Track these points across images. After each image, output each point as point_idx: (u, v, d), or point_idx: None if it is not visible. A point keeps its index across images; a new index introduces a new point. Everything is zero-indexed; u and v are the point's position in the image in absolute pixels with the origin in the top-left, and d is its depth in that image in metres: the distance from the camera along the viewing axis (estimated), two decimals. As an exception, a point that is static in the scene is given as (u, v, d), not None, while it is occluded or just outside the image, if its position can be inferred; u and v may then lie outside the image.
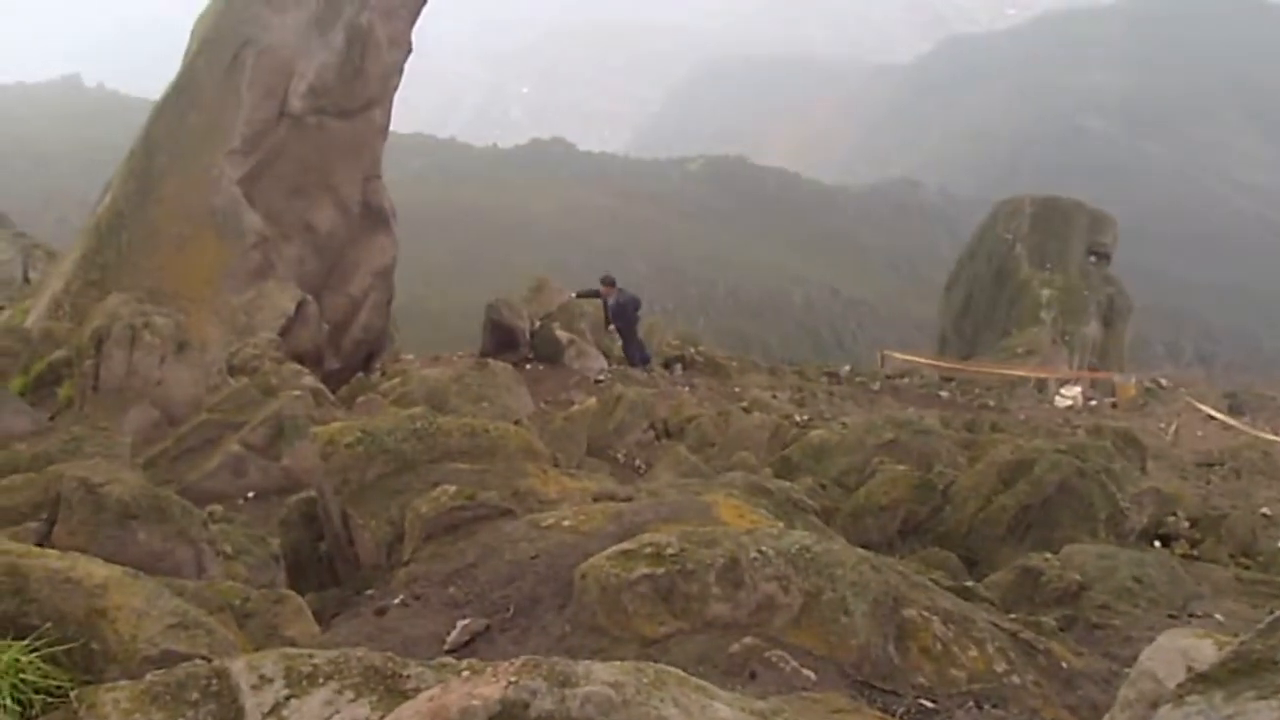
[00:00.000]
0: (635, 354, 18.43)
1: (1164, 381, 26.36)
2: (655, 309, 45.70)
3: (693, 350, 20.99)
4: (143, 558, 3.90)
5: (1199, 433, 20.45)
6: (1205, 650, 2.61)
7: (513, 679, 2.05)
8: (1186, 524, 9.10)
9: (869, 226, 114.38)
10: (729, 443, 11.34)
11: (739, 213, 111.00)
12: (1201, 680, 2.10)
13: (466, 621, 3.54)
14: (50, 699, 2.36)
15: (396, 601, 3.88)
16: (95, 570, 2.81)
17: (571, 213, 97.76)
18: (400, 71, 17.99)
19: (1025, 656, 3.57)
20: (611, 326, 18.84)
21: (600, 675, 2.14)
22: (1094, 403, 24.16)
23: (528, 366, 16.65)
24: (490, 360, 14.29)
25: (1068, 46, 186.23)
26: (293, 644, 3.17)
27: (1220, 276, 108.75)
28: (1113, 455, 9.38)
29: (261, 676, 2.26)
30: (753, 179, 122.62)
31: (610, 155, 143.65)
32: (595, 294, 18.64)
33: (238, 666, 2.30)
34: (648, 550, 3.47)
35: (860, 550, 3.80)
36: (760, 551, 3.46)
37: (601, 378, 16.45)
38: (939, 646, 3.39)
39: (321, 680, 2.27)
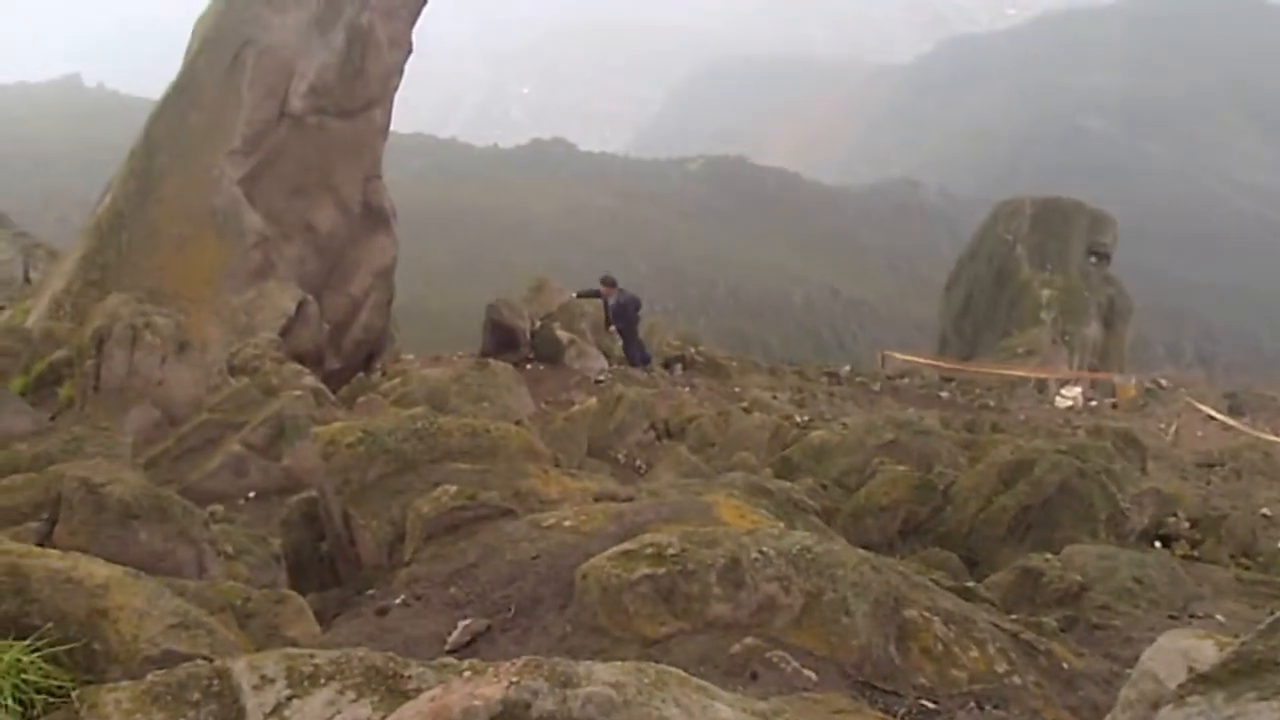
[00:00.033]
0: (636, 354, 18.44)
1: (1164, 382, 26.37)
2: (655, 309, 45.68)
3: (693, 350, 20.99)
4: (144, 558, 3.90)
5: (1199, 433, 20.45)
6: (1206, 651, 2.61)
7: (514, 679, 2.06)
8: (1187, 525, 9.10)
9: (869, 227, 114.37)
10: (729, 443, 11.34)
11: (739, 213, 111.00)
12: (1203, 681, 2.10)
13: (468, 622, 3.54)
14: (52, 699, 2.36)
15: (398, 602, 3.88)
16: (97, 570, 2.81)
17: (572, 213, 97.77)
18: (401, 72, 18.00)
19: (1026, 657, 3.58)
20: (612, 327, 18.85)
21: (602, 676, 2.14)
22: (1094, 403, 24.16)
23: (528, 366, 16.65)
24: (491, 360, 14.29)
25: (1068, 47, 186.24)
26: (294, 644, 3.17)
27: (1220, 277, 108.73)
28: (1113, 456, 9.38)
29: (263, 677, 2.26)
30: (753, 179, 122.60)
31: (610, 155, 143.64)
32: (596, 294, 18.65)
33: (239, 667, 2.30)
34: (649, 550, 3.47)
35: (861, 551, 3.80)
36: (761, 552, 3.46)
37: (602, 378, 16.45)
38: (940, 647, 3.39)
39: (323, 680, 2.27)
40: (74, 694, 2.31)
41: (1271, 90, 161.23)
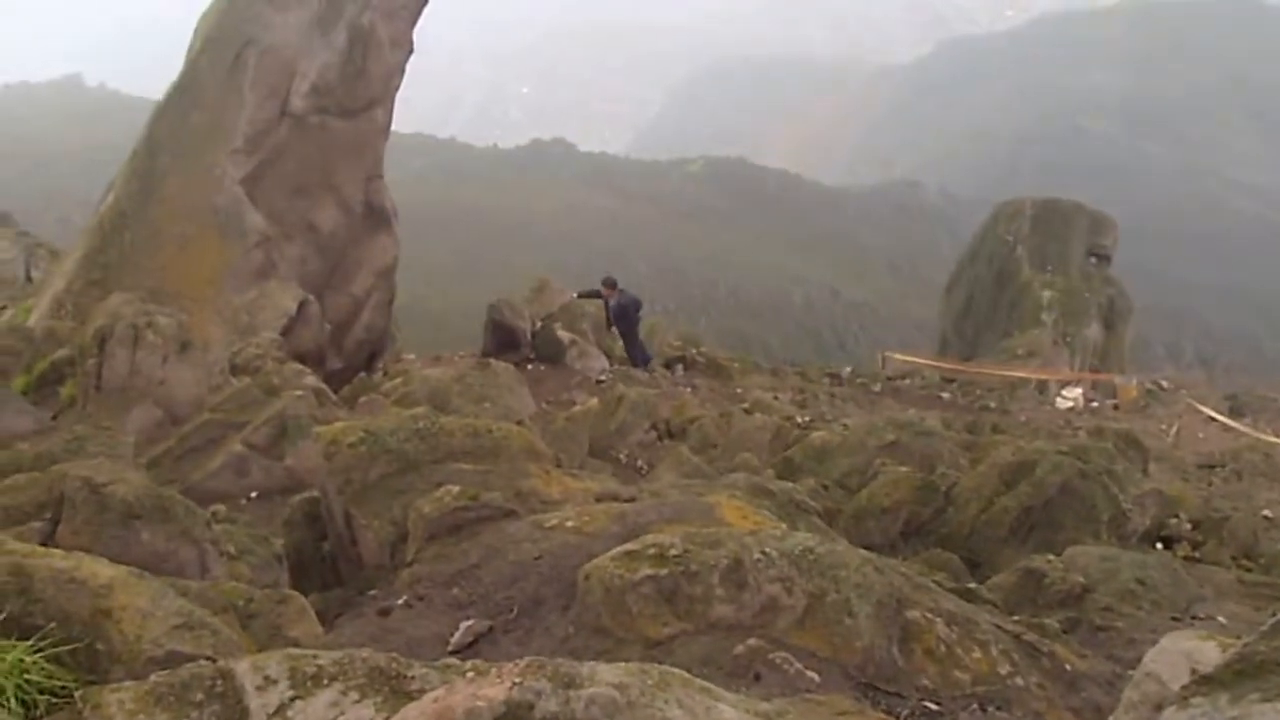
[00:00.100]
0: (637, 355, 18.44)
1: (1165, 383, 26.37)
2: (656, 309, 45.66)
3: (694, 351, 20.99)
4: (146, 558, 3.90)
5: (1200, 434, 20.45)
6: (1209, 652, 2.61)
7: (517, 680, 2.06)
8: (1188, 526, 9.10)
9: (869, 227, 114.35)
10: (731, 444, 11.34)
11: (739, 213, 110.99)
12: (1206, 682, 2.10)
13: (470, 622, 3.54)
14: (55, 699, 2.36)
15: (400, 602, 3.88)
16: (100, 570, 2.81)
17: (572, 213, 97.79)
18: (402, 71, 18.01)
19: (1029, 659, 3.57)
20: (613, 328, 18.84)
21: (605, 676, 2.14)
22: (1095, 404, 24.16)
23: (529, 367, 16.65)
24: (492, 360, 14.30)
25: (1067, 47, 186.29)
26: (296, 645, 3.17)
27: (1221, 277, 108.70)
28: (1114, 457, 9.39)
29: (266, 677, 2.26)
30: (753, 180, 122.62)
31: (611, 156, 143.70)
32: (596, 294, 18.65)
33: (242, 667, 2.30)
34: (651, 551, 3.47)
35: (863, 552, 3.80)
36: (764, 553, 3.46)
37: (603, 378, 16.45)
38: (943, 648, 3.38)
39: (326, 681, 2.27)
40: (77, 694, 2.31)
41: (1271, 90, 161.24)
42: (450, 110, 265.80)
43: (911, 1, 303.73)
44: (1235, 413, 22.93)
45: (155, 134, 16.13)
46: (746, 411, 14.10)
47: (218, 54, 16.06)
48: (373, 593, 4.18)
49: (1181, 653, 2.66)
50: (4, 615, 2.53)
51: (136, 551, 3.98)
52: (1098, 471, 7.64)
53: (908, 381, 25.24)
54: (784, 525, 4.60)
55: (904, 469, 8.31)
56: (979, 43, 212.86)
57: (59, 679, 2.42)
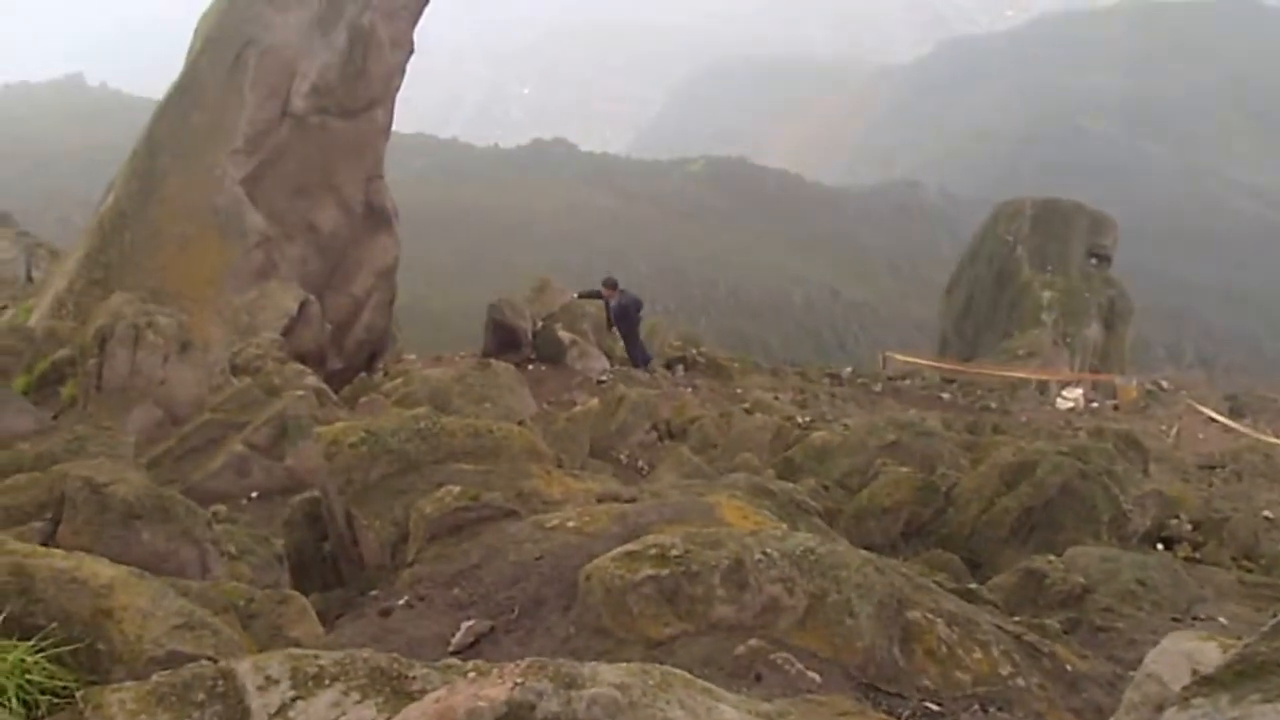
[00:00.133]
0: (638, 355, 18.43)
1: (1165, 384, 26.37)
2: (657, 309, 45.66)
3: (695, 351, 20.98)
4: (147, 558, 3.90)
5: (1200, 435, 20.45)
6: (1210, 653, 2.61)
7: (519, 680, 2.06)
8: (1189, 527, 9.10)
9: (869, 227, 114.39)
10: (731, 444, 11.34)
11: (740, 213, 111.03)
12: (1207, 683, 2.10)
13: (471, 623, 3.54)
14: (56, 700, 2.36)
15: (401, 602, 3.88)
16: (101, 570, 2.81)
17: (573, 213, 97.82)
18: (402, 72, 18.01)
19: (1030, 659, 3.57)
20: (614, 329, 18.83)
21: (606, 677, 2.15)
22: (1095, 405, 24.16)
23: (530, 367, 16.66)
24: (492, 361, 14.31)
25: (1067, 47, 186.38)
26: (297, 645, 3.17)
27: (1221, 278, 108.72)
28: (1115, 458, 9.39)
29: (267, 677, 2.26)
30: (753, 180, 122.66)
31: (611, 156, 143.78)
32: (597, 295, 18.64)
33: (244, 667, 2.30)
34: (652, 552, 3.47)
35: (864, 552, 3.80)
36: (765, 553, 3.46)
37: (604, 378, 16.45)
38: (944, 649, 3.38)
39: (328, 681, 2.27)
40: (78, 694, 2.31)
41: (1271, 90, 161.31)
42: (451, 110, 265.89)
43: (911, 1, 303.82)
44: (1235, 413, 22.93)
45: (156, 134, 16.14)
46: (747, 412, 14.10)
47: (218, 54, 16.06)
48: (374, 593, 4.17)
49: (1182, 653, 2.66)
50: (5, 615, 2.53)
51: (137, 551, 3.98)
52: (1098, 472, 7.64)
53: (908, 382, 25.24)
54: (785, 525, 4.60)
55: (904, 469, 8.32)
56: (979, 43, 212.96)
57: (60, 679, 2.42)
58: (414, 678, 2.30)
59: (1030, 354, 29.93)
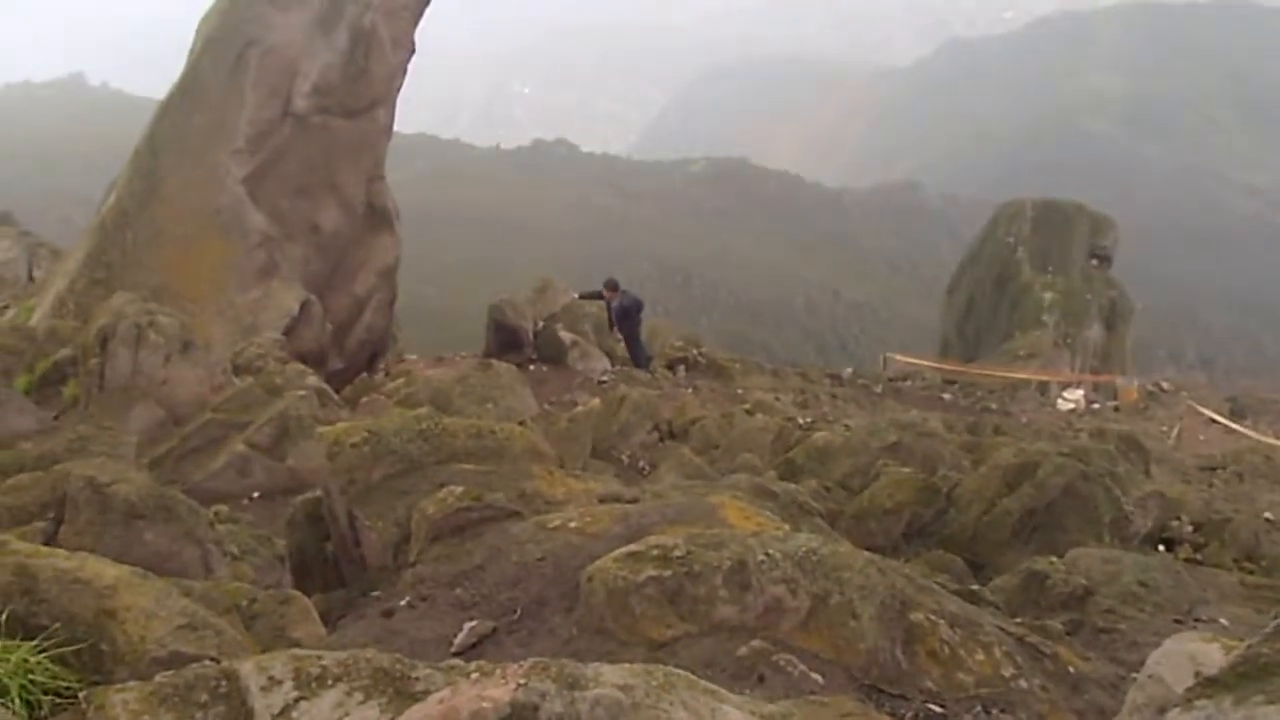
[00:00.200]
0: (639, 356, 18.43)
1: (1166, 385, 26.39)
2: (658, 310, 45.72)
3: (696, 352, 20.97)
4: (149, 558, 3.90)
5: (1201, 436, 20.46)
6: (1213, 654, 2.62)
7: (522, 681, 2.06)
8: (1190, 528, 9.09)
9: (870, 228, 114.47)
10: (733, 445, 11.33)
11: (741, 214, 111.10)
12: (1210, 685, 2.10)
13: (473, 624, 3.53)
14: (59, 700, 2.36)
15: (403, 603, 3.87)
16: (105, 570, 2.81)
17: (574, 213, 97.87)
18: (404, 72, 18.01)
19: (1032, 661, 3.57)
20: (615, 330, 18.82)
21: (610, 678, 2.15)
22: (1096, 406, 24.17)
23: (531, 368, 16.66)
24: (494, 361, 14.31)
25: (1067, 48, 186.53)
26: (299, 645, 3.17)
27: (1221, 279, 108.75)
28: (1116, 459, 9.38)
29: (270, 678, 2.26)
30: (755, 181, 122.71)
31: (613, 156, 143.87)
32: (598, 296, 18.63)
33: (247, 668, 2.30)
34: (654, 552, 3.46)
35: (866, 553, 3.80)
36: (767, 554, 3.45)
37: (605, 379, 16.45)
38: (946, 650, 3.38)
39: (331, 682, 2.27)
40: (81, 695, 2.31)
41: (1270, 91, 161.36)
42: (453, 111, 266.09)
43: (912, 3, 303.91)
44: (1236, 414, 22.94)
45: (157, 134, 16.14)
46: (748, 412, 14.09)
47: (219, 54, 16.06)
48: (376, 594, 4.17)
49: (1185, 655, 2.66)
50: (8, 615, 2.53)
51: (140, 552, 3.98)
52: (1100, 473, 7.64)
53: (909, 383, 25.26)
54: (787, 527, 4.60)
55: (906, 470, 8.31)
56: (979, 44, 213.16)
57: (63, 679, 2.42)
58: (417, 678, 2.30)
59: (1031, 355, 29.95)
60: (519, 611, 3.63)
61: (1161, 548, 8.42)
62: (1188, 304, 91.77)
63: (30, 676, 2.37)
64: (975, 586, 4.82)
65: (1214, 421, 21.29)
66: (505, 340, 17.39)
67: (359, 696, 2.23)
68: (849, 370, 27.00)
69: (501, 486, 4.73)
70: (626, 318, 18.13)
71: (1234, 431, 20.48)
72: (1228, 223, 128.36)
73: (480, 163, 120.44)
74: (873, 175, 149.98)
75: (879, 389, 22.77)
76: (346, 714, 2.19)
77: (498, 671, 2.15)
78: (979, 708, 3.20)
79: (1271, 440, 19.16)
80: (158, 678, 2.28)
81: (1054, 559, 5.57)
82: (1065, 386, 26.31)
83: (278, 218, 16.19)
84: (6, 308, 17.07)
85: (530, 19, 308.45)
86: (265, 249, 15.82)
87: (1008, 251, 35.57)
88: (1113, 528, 7.32)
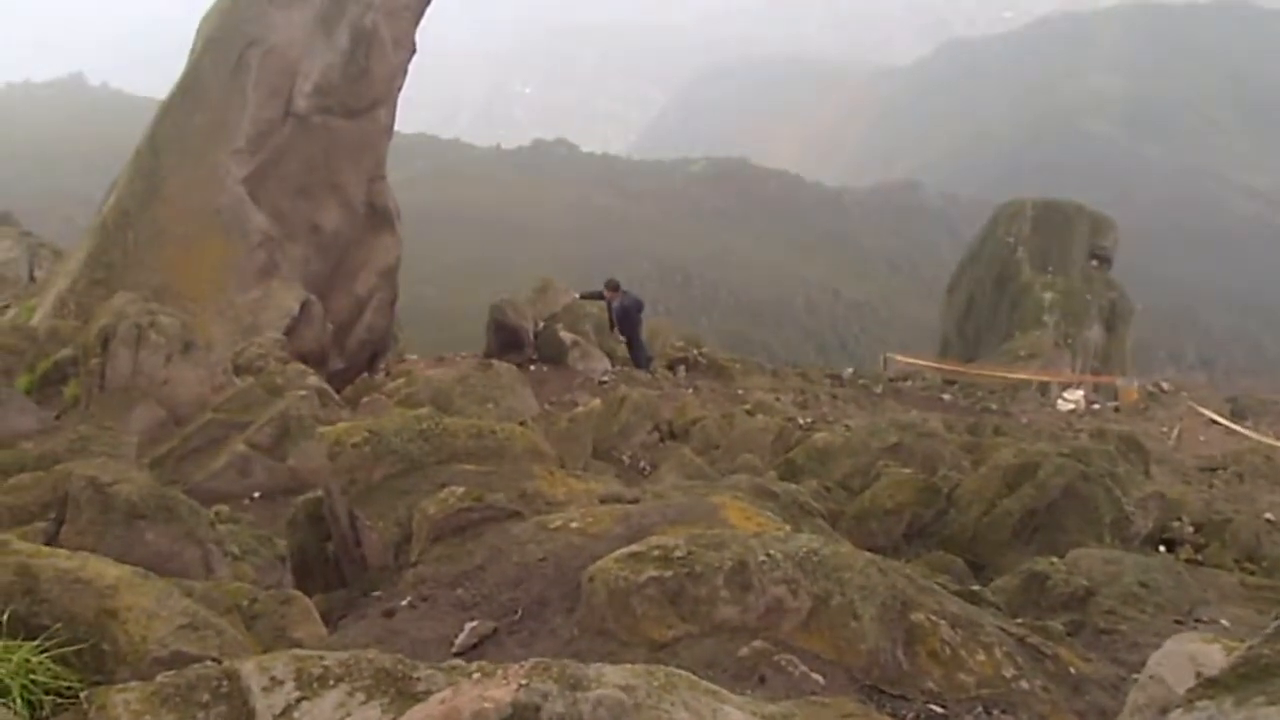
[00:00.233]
0: (640, 356, 18.43)
1: (1166, 385, 26.40)
2: (658, 310, 45.75)
3: (696, 352, 20.97)
4: (150, 558, 3.90)
5: (1201, 437, 20.46)
6: (1214, 655, 2.62)
7: (524, 682, 2.06)
8: (1191, 529, 9.09)
9: (870, 228, 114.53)
10: (733, 445, 11.33)
11: (741, 214, 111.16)
12: (1211, 685, 2.10)
13: (475, 624, 3.53)
14: (60, 700, 2.36)
15: (404, 603, 3.87)
16: (106, 570, 2.81)
17: (574, 213, 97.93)
18: (405, 72, 18.01)
19: (1033, 661, 3.57)
20: (616, 330, 18.82)
21: (612, 678, 2.15)
22: (1096, 406, 24.18)
23: (532, 368, 16.65)
24: (494, 361, 14.32)
25: (1067, 48, 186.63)
26: (300, 646, 3.17)
27: (1221, 280, 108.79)
28: (1116, 459, 9.38)
29: (272, 678, 2.26)
30: (755, 180, 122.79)
31: (613, 156, 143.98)
32: (599, 296, 18.63)
33: (248, 668, 2.30)
34: (656, 553, 3.46)
35: (867, 554, 3.80)
36: (768, 554, 3.45)
37: (605, 379, 16.44)
38: (947, 651, 3.38)
39: (332, 682, 2.27)
40: (83, 695, 2.31)
41: (1270, 92, 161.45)
42: (453, 110, 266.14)
43: (912, 2, 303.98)
44: (1236, 415, 22.94)
45: (158, 134, 16.14)
46: (748, 413, 14.08)
47: (220, 54, 16.06)
48: (377, 594, 4.17)
49: (1186, 656, 2.66)
50: (10, 615, 2.54)
51: (141, 551, 3.98)
52: (1100, 474, 7.63)
53: (909, 383, 25.26)
54: (788, 527, 4.60)
55: (906, 471, 8.31)
56: (979, 44, 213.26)
57: (65, 679, 2.42)
58: (419, 679, 2.30)
59: (1031, 355, 29.95)
60: (520, 612, 3.63)
61: (1162, 548, 8.41)
62: (1188, 305, 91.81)
63: (32, 676, 2.37)
64: (976, 587, 4.82)
65: (1214, 422, 21.29)
66: (506, 340, 17.39)
67: (361, 697, 2.23)
68: (849, 370, 27.01)
69: (502, 487, 4.73)
70: (627, 318, 18.13)
71: (1234, 432, 20.49)
72: (1228, 224, 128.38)
73: (480, 163, 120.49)
74: (873, 175, 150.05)
75: (879, 389, 22.76)
76: (348, 714, 2.19)
77: (499, 672, 2.16)
78: (980, 709, 3.20)
79: (1272, 441, 19.16)
80: (159, 678, 2.28)
81: (1055, 560, 5.56)
82: (1065, 387, 26.31)
83: (278, 218, 16.19)
84: (8, 307, 17.06)
85: (530, 19, 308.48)
86: (266, 249, 15.82)
87: (1008, 251, 35.58)
88: (1113, 528, 7.32)
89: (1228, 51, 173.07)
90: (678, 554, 3.44)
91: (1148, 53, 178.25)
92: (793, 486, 6.43)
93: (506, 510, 4.39)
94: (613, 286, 18.26)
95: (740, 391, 18.30)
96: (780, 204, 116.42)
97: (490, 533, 4.21)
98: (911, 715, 3.09)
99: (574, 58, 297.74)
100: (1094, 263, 35.50)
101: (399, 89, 17.99)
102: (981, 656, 3.42)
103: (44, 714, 2.32)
